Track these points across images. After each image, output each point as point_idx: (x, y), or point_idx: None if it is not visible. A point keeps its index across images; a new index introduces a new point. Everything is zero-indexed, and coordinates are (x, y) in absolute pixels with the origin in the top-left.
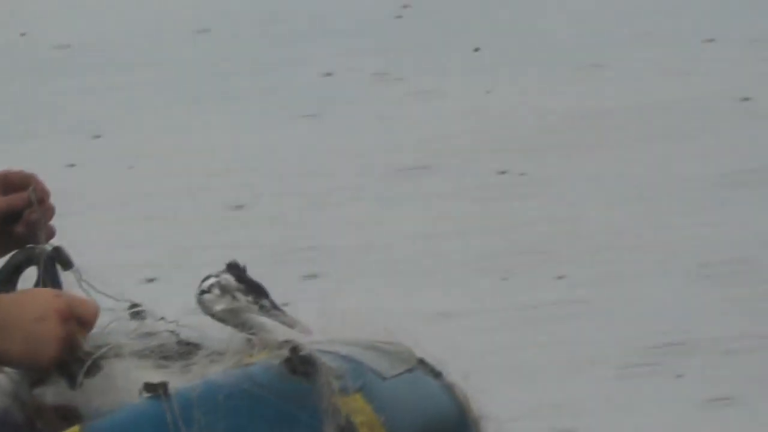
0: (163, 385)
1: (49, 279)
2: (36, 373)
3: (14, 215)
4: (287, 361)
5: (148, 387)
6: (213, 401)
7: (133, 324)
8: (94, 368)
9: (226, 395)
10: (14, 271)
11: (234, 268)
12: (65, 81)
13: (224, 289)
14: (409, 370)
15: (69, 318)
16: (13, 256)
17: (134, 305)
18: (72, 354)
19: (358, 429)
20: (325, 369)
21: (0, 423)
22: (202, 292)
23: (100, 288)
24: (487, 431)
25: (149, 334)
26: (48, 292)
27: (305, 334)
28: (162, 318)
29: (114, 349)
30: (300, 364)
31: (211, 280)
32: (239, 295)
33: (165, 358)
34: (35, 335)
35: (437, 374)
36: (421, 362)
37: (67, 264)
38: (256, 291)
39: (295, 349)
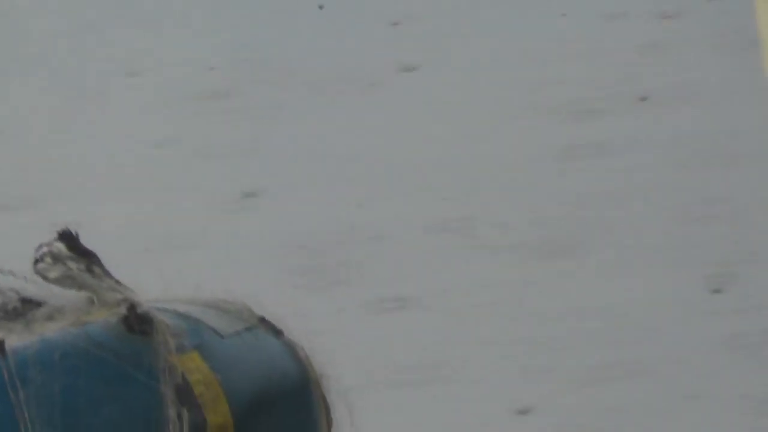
0: (0, 343)
1: None
2: None
3: None
4: (124, 318)
5: None
6: (49, 360)
7: None
8: None
9: (63, 354)
10: None
11: (66, 237)
12: None
13: (56, 258)
14: (249, 329)
15: None
16: None
17: None
18: None
19: (194, 387)
20: (162, 327)
21: None
22: (36, 261)
23: None
24: (328, 390)
25: None
26: None
27: (142, 295)
28: (9, 272)
29: None
30: (137, 322)
31: (43, 249)
32: (71, 263)
33: (5, 315)
34: None
35: (278, 332)
36: (262, 321)
37: None
38: (89, 259)
39: (132, 306)
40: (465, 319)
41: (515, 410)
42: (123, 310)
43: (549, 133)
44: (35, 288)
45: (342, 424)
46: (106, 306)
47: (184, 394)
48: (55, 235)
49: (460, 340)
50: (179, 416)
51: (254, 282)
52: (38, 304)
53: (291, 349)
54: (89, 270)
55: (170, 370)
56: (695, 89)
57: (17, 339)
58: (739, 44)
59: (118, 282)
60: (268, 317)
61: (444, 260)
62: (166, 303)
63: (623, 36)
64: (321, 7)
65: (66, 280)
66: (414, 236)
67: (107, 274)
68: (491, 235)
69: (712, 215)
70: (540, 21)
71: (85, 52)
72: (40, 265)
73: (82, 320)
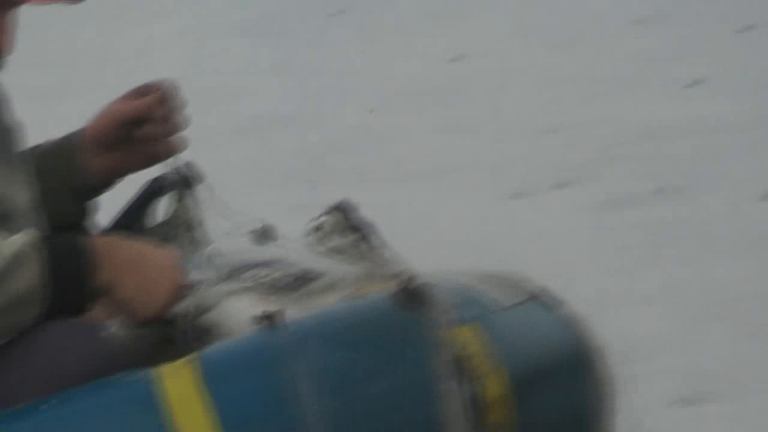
0: (277, 316)
1: (183, 205)
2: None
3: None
4: (398, 293)
5: (263, 318)
6: (324, 334)
7: (261, 246)
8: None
9: (337, 328)
10: (146, 200)
11: (343, 207)
12: None
13: (332, 228)
14: (527, 301)
15: (175, 298)
16: (145, 186)
17: (266, 226)
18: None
19: (470, 361)
20: (437, 301)
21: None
22: (312, 231)
23: (232, 206)
24: (610, 366)
25: (269, 262)
26: (173, 267)
27: (416, 269)
28: (293, 242)
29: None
30: (410, 295)
31: (321, 218)
32: (346, 234)
33: (281, 288)
34: (151, 284)
35: (557, 305)
36: (542, 292)
37: (197, 179)
38: (365, 230)
39: (406, 280)
40: None
41: None
42: (398, 283)
43: None
44: (313, 260)
45: (622, 399)
46: (382, 279)
47: (460, 367)
48: (332, 206)
49: None
50: (455, 390)
51: None
52: (316, 277)
53: (571, 322)
54: (365, 241)
55: (445, 344)
56: None
57: (295, 312)
58: None
59: (393, 254)
60: (548, 289)
61: None
62: (442, 276)
63: None
64: None
65: (341, 251)
66: None
67: (383, 246)
68: None
69: None
70: None
71: None
72: (317, 236)
73: (357, 293)
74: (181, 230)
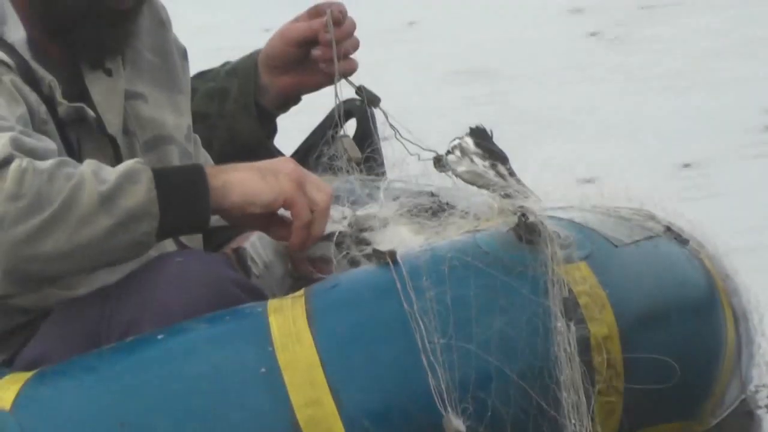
0: (392, 253)
1: (363, 128)
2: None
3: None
4: (515, 228)
5: (377, 254)
6: (438, 271)
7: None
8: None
9: (451, 265)
10: (332, 125)
11: (477, 133)
12: None
13: (464, 152)
14: (649, 238)
15: (298, 184)
16: (330, 113)
17: (437, 155)
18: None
19: (579, 298)
20: (551, 237)
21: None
22: (447, 152)
23: (405, 132)
24: (740, 306)
25: (417, 192)
26: (290, 160)
27: (539, 202)
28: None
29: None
30: (526, 231)
31: (455, 142)
32: (477, 159)
33: (418, 216)
34: (267, 173)
35: (683, 242)
36: (667, 230)
37: (373, 101)
38: (496, 157)
39: (523, 215)
40: None
41: None
42: (516, 218)
43: None
44: (451, 190)
45: (755, 338)
46: (503, 213)
47: (570, 306)
48: (470, 129)
49: None
50: (565, 329)
51: None
52: (447, 207)
53: (696, 259)
54: (494, 168)
55: (557, 282)
56: None
57: (420, 242)
58: None
59: (521, 183)
60: (673, 226)
61: None
62: (562, 211)
63: None
64: None
65: (472, 177)
66: None
67: (512, 173)
68: None
69: None
70: None
71: None
72: (450, 157)
73: (480, 227)
74: (351, 158)
